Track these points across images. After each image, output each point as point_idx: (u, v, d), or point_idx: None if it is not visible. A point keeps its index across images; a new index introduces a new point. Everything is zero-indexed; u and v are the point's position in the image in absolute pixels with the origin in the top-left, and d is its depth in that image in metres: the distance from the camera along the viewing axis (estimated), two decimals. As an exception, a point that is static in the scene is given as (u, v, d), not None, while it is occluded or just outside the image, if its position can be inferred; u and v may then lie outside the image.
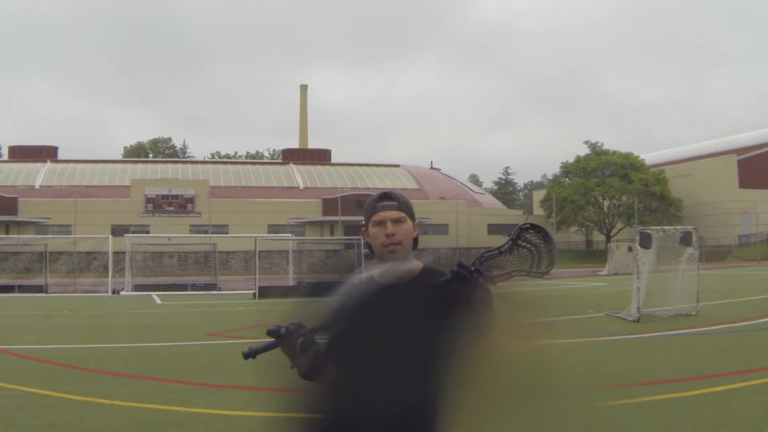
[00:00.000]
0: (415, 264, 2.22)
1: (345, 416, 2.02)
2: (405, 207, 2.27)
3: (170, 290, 32.68)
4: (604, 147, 69.02)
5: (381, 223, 2.22)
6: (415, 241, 2.29)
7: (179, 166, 76.45)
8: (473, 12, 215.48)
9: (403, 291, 2.13)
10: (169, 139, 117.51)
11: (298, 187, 69.98)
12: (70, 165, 69.53)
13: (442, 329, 2.05)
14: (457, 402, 2.02)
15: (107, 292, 31.34)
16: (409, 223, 2.25)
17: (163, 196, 60.75)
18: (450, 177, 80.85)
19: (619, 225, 65.72)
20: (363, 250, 28.29)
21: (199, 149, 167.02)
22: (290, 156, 79.73)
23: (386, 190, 2.33)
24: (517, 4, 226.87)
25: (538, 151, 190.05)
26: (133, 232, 47.08)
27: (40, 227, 56.59)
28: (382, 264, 2.19)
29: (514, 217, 77.31)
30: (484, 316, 1.99)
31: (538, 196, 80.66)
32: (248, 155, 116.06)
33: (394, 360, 2.03)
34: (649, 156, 77.62)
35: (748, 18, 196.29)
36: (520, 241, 1.99)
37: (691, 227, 17.91)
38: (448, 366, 2.02)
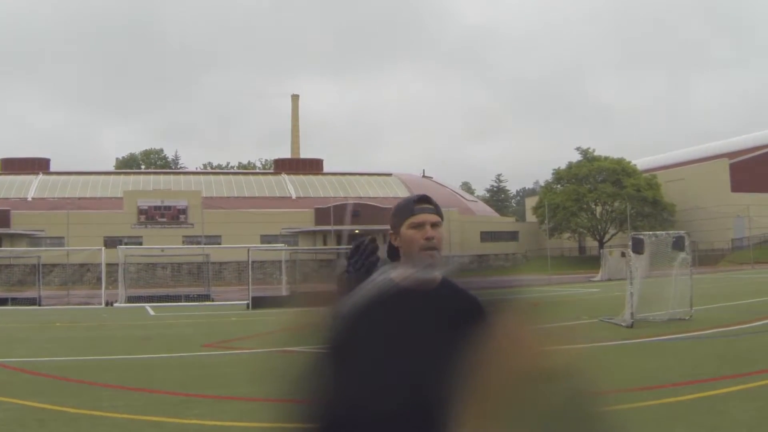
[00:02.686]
0: (438, 274, 2.17)
1: (346, 418, 2.01)
2: (441, 213, 2.25)
3: (164, 301, 32.56)
4: (596, 153, 69.27)
5: (420, 226, 2.17)
6: None
7: (171, 177, 76.29)
8: (461, 19, 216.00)
9: (421, 297, 2.10)
10: (161, 151, 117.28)
11: (291, 197, 69.92)
12: (63, 177, 69.32)
13: (452, 341, 2.05)
14: (461, 408, 2.02)
15: (101, 303, 31.14)
16: (442, 230, 2.22)
17: (156, 208, 60.62)
18: (442, 185, 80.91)
19: (611, 231, 65.83)
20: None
21: (191, 160, 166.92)
22: (282, 166, 79.70)
23: (422, 194, 2.28)
24: (502, 11, 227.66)
25: (530, 158, 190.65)
26: (126, 244, 46.77)
27: (33, 239, 56.30)
28: (405, 267, 2.14)
29: (507, 224, 77.58)
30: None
31: (531, 202, 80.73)
32: (240, 165, 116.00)
33: (400, 364, 2.02)
34: (641, 161, 77.94)
35: (732, 21, 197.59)
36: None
37: (683, 232, 17.97)
38: (454, 374, 2.01)
